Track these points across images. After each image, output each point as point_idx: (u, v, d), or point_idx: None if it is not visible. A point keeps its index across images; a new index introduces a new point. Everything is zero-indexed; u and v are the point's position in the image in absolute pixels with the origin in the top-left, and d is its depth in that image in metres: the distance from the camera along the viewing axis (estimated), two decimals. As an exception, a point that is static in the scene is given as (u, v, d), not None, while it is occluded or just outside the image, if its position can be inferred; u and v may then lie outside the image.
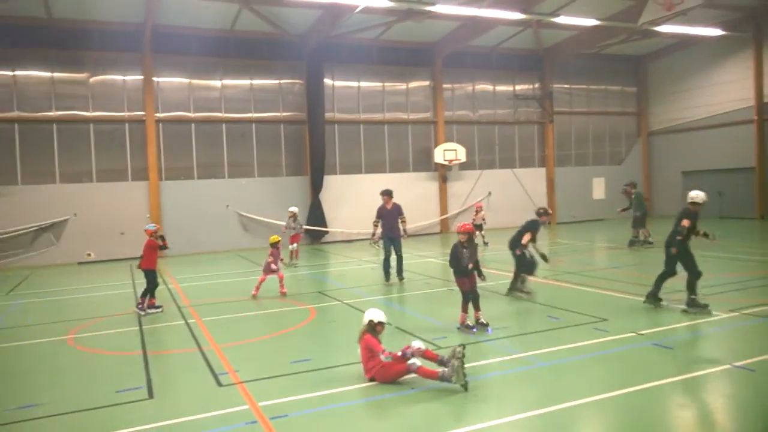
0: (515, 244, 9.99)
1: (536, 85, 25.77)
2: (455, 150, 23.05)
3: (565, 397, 5.23)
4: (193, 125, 20.18)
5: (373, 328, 6.02)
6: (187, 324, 8.96)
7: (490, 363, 6.34)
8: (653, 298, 8.70)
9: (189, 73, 20.11)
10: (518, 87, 25.34)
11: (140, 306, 9.75)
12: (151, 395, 5.81)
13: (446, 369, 5.54)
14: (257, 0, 17.99)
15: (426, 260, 15.80)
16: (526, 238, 9.75)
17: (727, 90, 24.17)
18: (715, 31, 21.68)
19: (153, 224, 10.75)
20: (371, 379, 5.84)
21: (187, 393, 5.93)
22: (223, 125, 20.58)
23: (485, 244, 17.80)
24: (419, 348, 5.77)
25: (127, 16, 18.38)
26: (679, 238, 8.22)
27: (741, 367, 5.81)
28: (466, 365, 5.56)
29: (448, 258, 8.05)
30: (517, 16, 18.70)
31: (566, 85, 26.43)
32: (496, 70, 24.87)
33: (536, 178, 25.78)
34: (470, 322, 7.77)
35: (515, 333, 7.56)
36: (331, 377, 6.11)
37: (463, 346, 5.67)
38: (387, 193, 11.90)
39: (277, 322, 9.05)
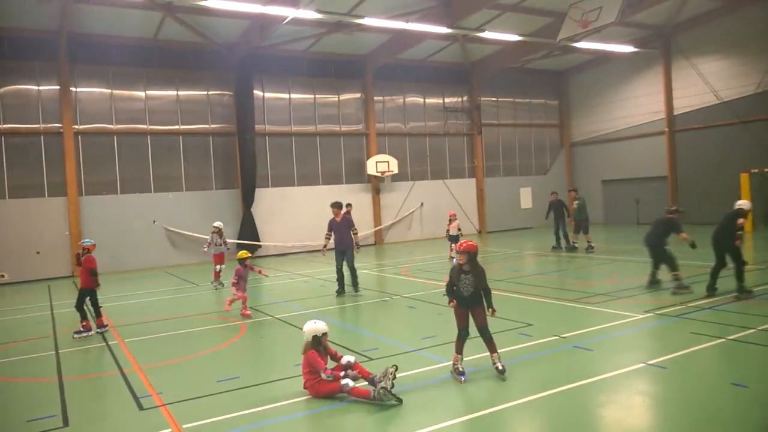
0: (657, 241, 10.52)
1: (465, 98, 26.52)
2: (387, 161, 23.29)
3: (492, 402, 5.36)
4: (115, 137, 19.31)
5: (318, 342, 5.87)
6: (108, 346, 8.50)
7: (419, 372, 6.40)
8: (711, 289, 9.47)
9: (110, 83, 19.26)
10: (447, 99, 26.00)
11: (99, 326, 9.33)
12: (66, 423, 5.46)
13: (378, 390, 5.47)
14: (181, 9, 17.48)
15: (360, 272, 15.78)
16: (683, 234, 10.21)
17: (642, 103, 25.81)
18: (628, 48, 23.15)
19: (89, 240, 10.14)
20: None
21: (106, 419, 5.62)
22: (149, 137, 19.82)
23: (451, 258, 16.14)
24: (354, 372, 5.78)
25: (40, 23, 17.42)
26: (740, 232, 9.23)
27: (654, 365, 6.16)
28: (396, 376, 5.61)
29: (442, 273, 7.41)
30: (444, 30, 19.22)
31: (493, 98, 27.36)
32: (425, 83, 25.41)
33: (467, 188, 26.44)
34: (461, 366, 6.16)
35: (444, 341, 7.66)
36: (260, 394, 5.97)
37: (395, 366, 5.68)
38: (337, 206, 11.76)
39: (205, 340, 8.75)
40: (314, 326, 5.91)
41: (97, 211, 18.77)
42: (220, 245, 14.24)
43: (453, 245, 15.87)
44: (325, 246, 11.88)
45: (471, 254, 6.14)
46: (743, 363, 6.24)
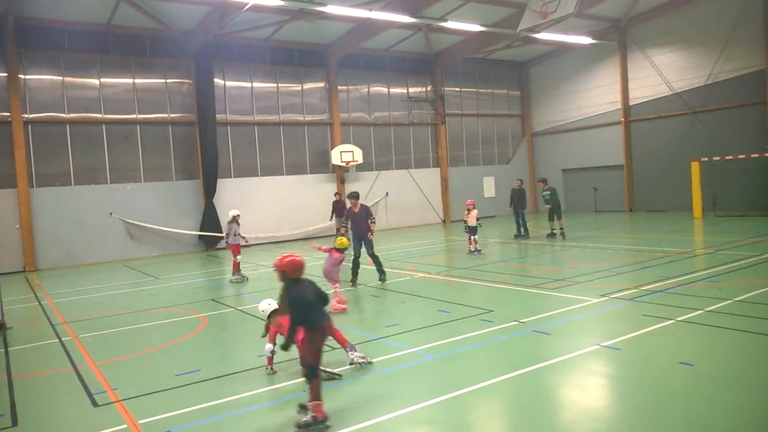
0: None
1: (429, 88, 26.60)
2: (352, 151, 23.19)
3: (454, 386, 5.43)
4: (68, 126, 18.62)
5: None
6: (62, 342, 8.24)
7: (381, 360, 6.42)
8: None
9: (61, 70, 18.53)
10: (412, 89, 26.02)
11: None
12: (15, 422, 5.28)
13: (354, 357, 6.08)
14: (137, -6, 16.97)
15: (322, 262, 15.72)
16: None
17: (599, 94, 26.40)
18: (586, 40, 23.60)
19: None
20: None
21: (58, 417, 5.45)
22: (103, 126, 19.19)
23: (478, 251, 14.64)
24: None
25: (-15, 6, 16.63)
26: None
27: (608, 347, 6.36)
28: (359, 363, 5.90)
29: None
30: (407, 19, 19.19)
31: (456, 88, 27.52)
32: (390, 73, 25.35)
33: (431, 178, 26.60)
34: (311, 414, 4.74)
35: (407, 329, 7.73)
36: (220, 387, 5.89)
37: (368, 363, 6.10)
38: (354, 196, 11.79)
39: (164, 334, 8.58)
40: (267, 303, 6.34)
41: (49, 203, 18.11)
42: (238, 235, 13.17)
43: (473, 237, 14.69)
44: (338, 231, 11.78)
45: (283, 273, 4.95)
46: (690, 343, 6.49)
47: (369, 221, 11.42)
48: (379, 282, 11.40)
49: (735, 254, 11.99)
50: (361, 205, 11.66)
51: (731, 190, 20.72)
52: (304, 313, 4.78)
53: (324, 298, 5.01)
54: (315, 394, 4.69)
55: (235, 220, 13.21)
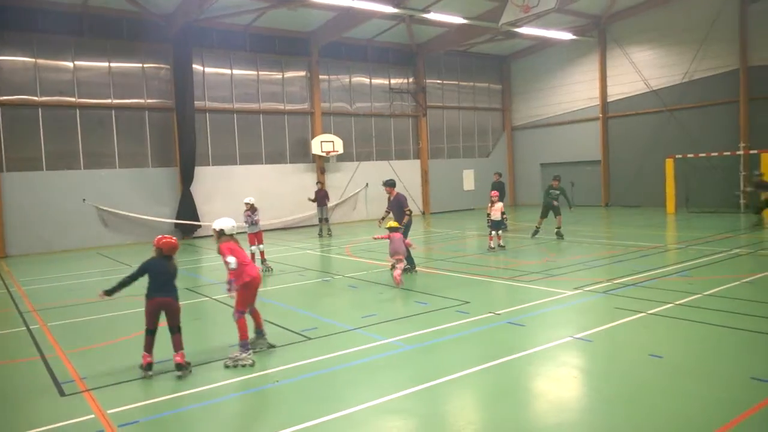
0: None
1: (410, 79, 26.53)
2: (333, 141, 23.06)
3: (428, 377, 5.44)
4: (40, 110, 18.14)
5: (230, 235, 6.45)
6: (29, 330, 8.06)
7: (356, 350, 6.41)
8: None
9: (34, 51, 18.02)
10: (393, 80, 25.92)
11: None
12: (-22, 412, 5.15)
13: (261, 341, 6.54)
14: (114, -25, 16.56)
15: (303, 252, 15.67)
16: None
17: (579, 89, 26.64)
18: (567, 35, 23.75)
19: None
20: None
21: (23, 405, 5.33)
22: (77, 111, 18.75)
23: (501, 247, 13.72)
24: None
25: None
26: None
27: (581, 338, 6.44)
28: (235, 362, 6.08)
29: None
30: (390, 9, 19.07)
31: (438, 81, 27.51)
32: (372, 63, 25.21)
33: (411, 170, 26.60)
34: None
35: (383, 320, 7.72)
36: (192, 377, 5.81)
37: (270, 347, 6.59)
38: (390, 184, 11.74)
39: (136, 323, 8.35)
40: (222, 222, 6.51)
41: (20, 188, 17.66)
42: (256, 223, 12.18)
43: (495, 233, 13.62)
44: (382, 218, 11.80)
45: (159, 250, 6.05)
46: (660, 335, 6.60)
47: (404, 211, 11.24)
48: (413, 273, 11.25)
49: (705, 249, 12.24)
50: (397, 193, 11.64)
51: (703, 186, 21.15)
52: (150, 279, 5.94)
53: (172, 278, 6.06)
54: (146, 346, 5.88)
55: (251, 207, 12.11)
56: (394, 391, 5.16)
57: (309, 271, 12.33)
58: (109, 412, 4.94)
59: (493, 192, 13.98)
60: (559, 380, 5.33)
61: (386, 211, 11.84)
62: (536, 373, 5.58)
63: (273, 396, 5.34)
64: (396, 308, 8.55)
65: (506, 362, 5.80)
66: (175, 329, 6.02)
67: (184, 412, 4.97)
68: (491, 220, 13.71)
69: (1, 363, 6.76)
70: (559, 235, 15.14)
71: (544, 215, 15.59)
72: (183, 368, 5.79)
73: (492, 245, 13.75)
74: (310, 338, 6.99)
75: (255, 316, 6.61)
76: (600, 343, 6.33)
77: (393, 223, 10.45)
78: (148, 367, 5.80)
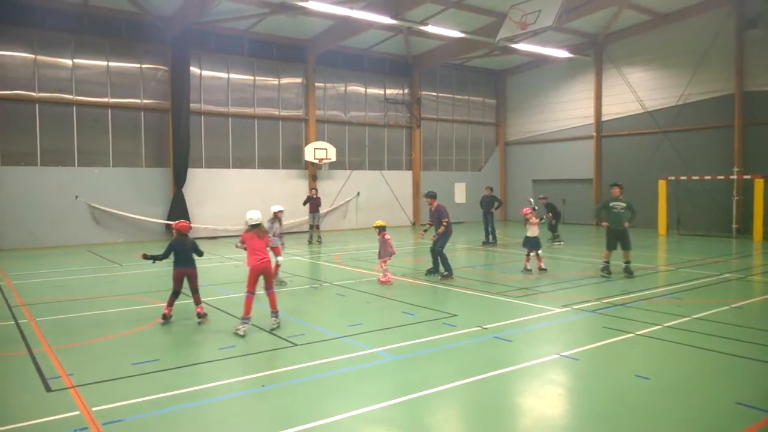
0: None
1: (406, 90, 26.71)
2: (326, 149, 23.13)
3: (413, 388, 5.48)
4: (37, 106, 18.09)
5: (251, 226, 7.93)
6: (18, 324, 8.02)
7: (341, 359, 6.44)
8: None
9: (34, 48, 18.00)
10: (389, 91, 26.08)
11: None
12: (-38, 406, 5.13)
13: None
14: (116, -25, 16.61)
15: (293, 258, 15.66)
16: None
17: (573, 107, 26.92)
18: (563, 53, 24.02)
19: None
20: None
21: (8, 400, 5.31)
22: (74, 108, 18.71)
23: (543, 270, 12.35)
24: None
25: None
26: None
27: (567, 357, 6.49)
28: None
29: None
30: (388, 20, 19.21)
31: (433, 93, 27.70)
32: (368, 73, 25.36)
33: (403, 180, 26.70)
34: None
35: (370, 329, 7.76)
36: (179, 378, 5.82)
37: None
38: (431, 195, 12.05)
39: (124, 321, 8.42)
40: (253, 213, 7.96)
41: (13, 182, 17.57)
42: (279, 236, 10.85)
43: (532, 254, 12.40)
44: (425, 230, 12.46)
45: (178, 231, 8.30)
46: (647, 356, 6.67)
47: (442, 221, 11.64)
48: (434, 276, 11.86)
49: (695, 272, 12.37)
50: (438, 204, 11.90)
51: (695, 209, 21.35)
52: (175, 255, 8.10)
53: (196, 251, 8.24)
54: (169, 301, 8.14)
55: (277, 217, 10.97)
56: (378, 401, 5.19)
57: (298, 277, 12.34)
58: (94, 409, 4.95)
59: (525, 210, 12.61)
60: (544, 397, 5.37)
61: (428, 223, 12.27)
62: (521, 389, 5.63)
63: (258, 400, 5.35)
64: (383, 318, 8.58)
65: (492, 377, 5.83)
66: (194, 291, 8.14)
67: (169, 413, 4.97)
68: (528, 237, 12.46)
69: (-14, 358, 6.72)
70: (628, 272, 11.81)
71: (611, 246, 12.00)
72: (201, 317, 8.03)
73: (528, 266, 12.41)
74: (296, 344, 7.01)
75: (269, 298, 7.85)
76: (586, 362, 6.39)
77: (381, 222, 11.51)
78: (166, 318, 8.08)
